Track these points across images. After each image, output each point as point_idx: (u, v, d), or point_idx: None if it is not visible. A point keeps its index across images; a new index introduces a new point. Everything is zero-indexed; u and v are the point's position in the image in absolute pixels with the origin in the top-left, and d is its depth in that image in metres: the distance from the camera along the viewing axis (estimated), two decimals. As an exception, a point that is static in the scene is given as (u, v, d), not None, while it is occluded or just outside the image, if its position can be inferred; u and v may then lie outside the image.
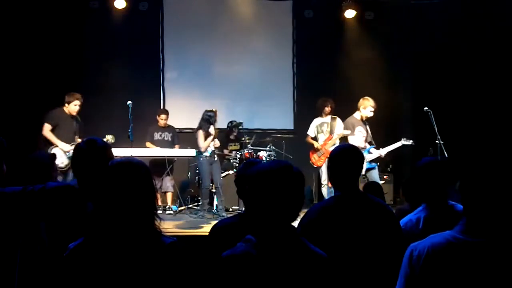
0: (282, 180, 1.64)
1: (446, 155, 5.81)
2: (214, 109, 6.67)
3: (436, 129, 5.98)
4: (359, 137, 6.28)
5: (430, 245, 1.69)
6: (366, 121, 6.40)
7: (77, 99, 6.15)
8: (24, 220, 1.99)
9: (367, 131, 6.36)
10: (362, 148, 6.08)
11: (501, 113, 7.40)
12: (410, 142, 6.35)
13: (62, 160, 5.90)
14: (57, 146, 5.94)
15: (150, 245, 1.69)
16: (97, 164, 2.07)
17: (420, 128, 7.13)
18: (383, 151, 6.31)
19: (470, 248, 1.64)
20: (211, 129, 6.52)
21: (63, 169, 5.87)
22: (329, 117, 6.79)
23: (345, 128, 6.40)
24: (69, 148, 5.90)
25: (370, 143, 6.43)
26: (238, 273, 1.59)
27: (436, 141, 6.00)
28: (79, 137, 6.10)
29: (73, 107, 6.15)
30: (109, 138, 5.98)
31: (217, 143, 6.61)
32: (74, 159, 2.28)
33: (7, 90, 7.00)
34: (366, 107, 6.30)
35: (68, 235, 1.86)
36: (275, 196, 1.63)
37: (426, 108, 6.10)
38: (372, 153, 6.28)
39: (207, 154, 6.45)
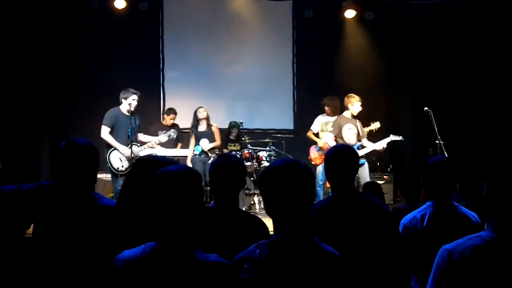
0: (288, 177, 1.58)
1: (446, 155, 5.79)
2: (198, 107, 7.00)
3: (436, 129, 5.96)
4: (349, 134, 6.25)
5: (469, 246, 1.64)
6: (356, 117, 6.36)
7: (134, 94, 5.84)
8: (21, 218, 1.99)
9: (357, 127, 6.33)
10: (351, 145, 6.05)
11: (501, 113, 7.40)
12: (399, 138, 6.31)
13: (122, 164, 5.69)
14: (115, 149, 5.68)
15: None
16: (78, 165, 2.06)
17: (420, 128, 7.12)
18: (382, 143, 6.20)
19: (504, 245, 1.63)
20: (201, 127, 6.92)
21: (123, 173, 5.58)
22: (335, 116, 6.79)
23: (332, 127, 6.38)
24: (128, 152, 5.62)
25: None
26: (247, 275, 1.56)
27: (436, 141, 5.98)
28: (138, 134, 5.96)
29: (132, 103, 5.80)
30: (170, 133, 6.11)
31: (203, 142, 6.80)
32: (55, 161, 2.25)
33: (7, 90, 7.00)
34: (353, 103, 6.29)
35: (62, 233, 1.86)
36: (282, 195, 1.58)
37: (426, 108, 6.09)
38: (366, 147, 6.20)
39: (196, 152, 6.80)
